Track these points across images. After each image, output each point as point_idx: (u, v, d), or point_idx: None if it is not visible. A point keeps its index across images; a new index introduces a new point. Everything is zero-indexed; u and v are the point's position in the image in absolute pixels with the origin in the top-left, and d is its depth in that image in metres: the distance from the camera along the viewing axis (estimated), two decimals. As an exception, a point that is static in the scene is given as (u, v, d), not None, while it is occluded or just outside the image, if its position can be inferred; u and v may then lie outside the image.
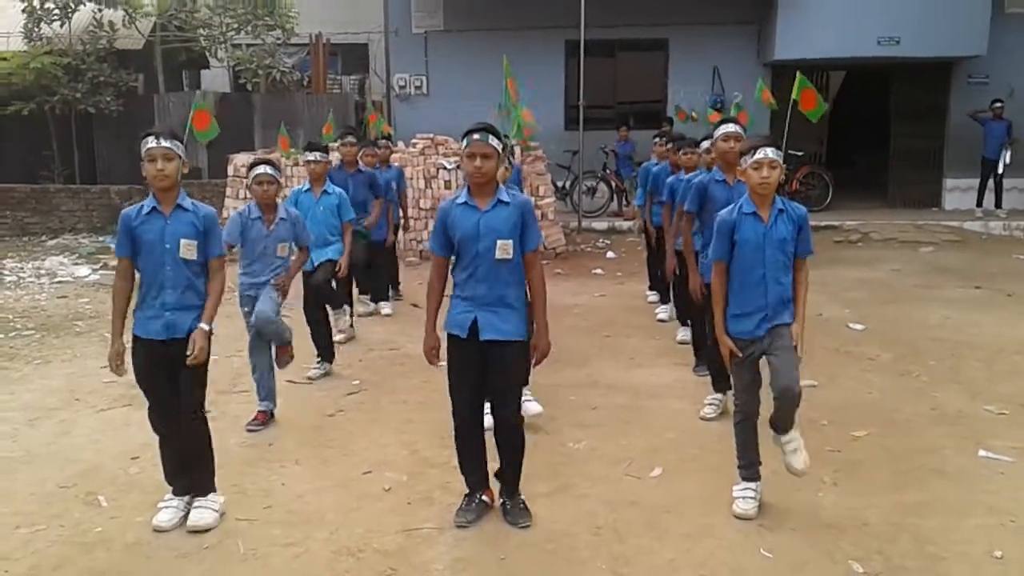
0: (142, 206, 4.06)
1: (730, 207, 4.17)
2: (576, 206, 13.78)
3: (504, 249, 3.92)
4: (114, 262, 12.09)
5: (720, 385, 5.59)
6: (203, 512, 4.13)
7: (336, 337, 6.95)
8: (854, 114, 17.19)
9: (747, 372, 4.17)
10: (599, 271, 10.80)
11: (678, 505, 4.31)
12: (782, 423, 4.16)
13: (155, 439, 5.23)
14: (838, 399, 5.83)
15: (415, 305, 8.94)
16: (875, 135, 16.07)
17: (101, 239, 13.59)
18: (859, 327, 7.73)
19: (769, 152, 3.95)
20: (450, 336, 4.05)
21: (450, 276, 4.10)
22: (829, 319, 7.90)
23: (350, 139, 7.56)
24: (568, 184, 14.18)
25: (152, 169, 3.94)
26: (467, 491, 4.23)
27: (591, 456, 4.96)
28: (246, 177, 5.82)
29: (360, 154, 7.94)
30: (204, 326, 4.05)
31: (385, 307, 8.52)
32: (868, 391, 6.06)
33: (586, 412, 5.70)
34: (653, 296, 8.80)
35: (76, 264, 11.47)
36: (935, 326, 7.80)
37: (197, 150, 13.53)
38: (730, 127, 5.34)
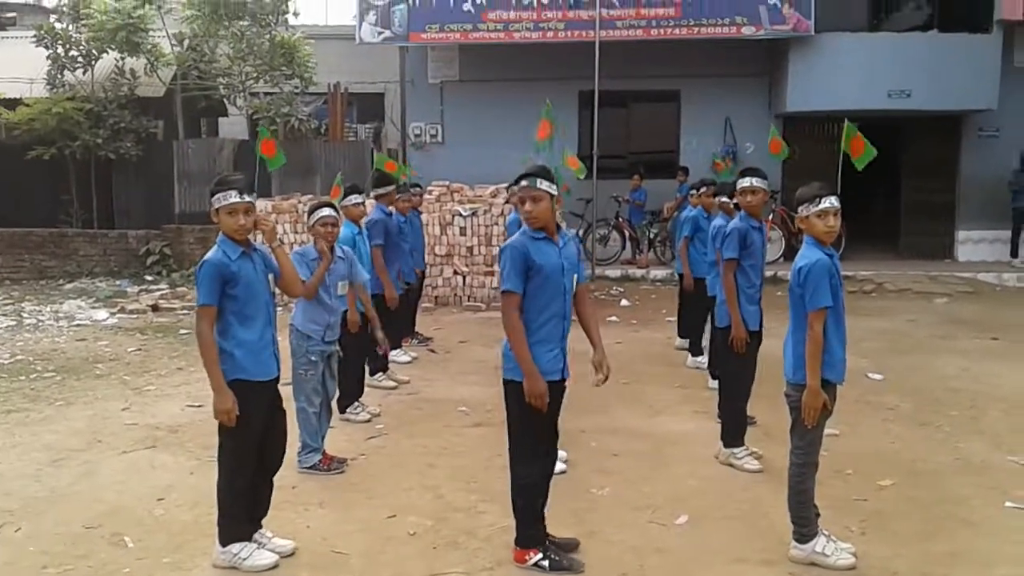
0: (224, 252, 3.97)
1: (811, 254, 4.06)
2: (589, 254, 13.90)
3: (574, 283, 4.07)
4: (132, 305, 11.91)
5: (740, 439, 5.57)
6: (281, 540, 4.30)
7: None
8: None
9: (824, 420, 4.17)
10: (614, 319, 10.82)
11: (704, 553, 4.30)
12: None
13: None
14: (861, 448, 5.81)
15: (432, 351, 8.97)
16: (886, 186, 16.16)
17: (118, 283, 13.69)
18: (878, 377, 7.72)
19: (834, 200, 4.04)
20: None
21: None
22: (847, 368, 7.87)
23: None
24: (581, 232, 14.30)
25: (234, 223, 3.95)
26: (540, 545, 4.13)
27: (616, 502, 4.95)
28: (306, 219, 5.95)
29: (398, 199, 8.35)
30: None
31: (402, 354, 8.51)
32: (891, 440, 6.04)
33: (608, 458, 5.69)
34: (682, 343, 8.76)
35: (94, 308, 11.53)
36: (954, 376, 7.78)
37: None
38: (747, 181, 5.49)
